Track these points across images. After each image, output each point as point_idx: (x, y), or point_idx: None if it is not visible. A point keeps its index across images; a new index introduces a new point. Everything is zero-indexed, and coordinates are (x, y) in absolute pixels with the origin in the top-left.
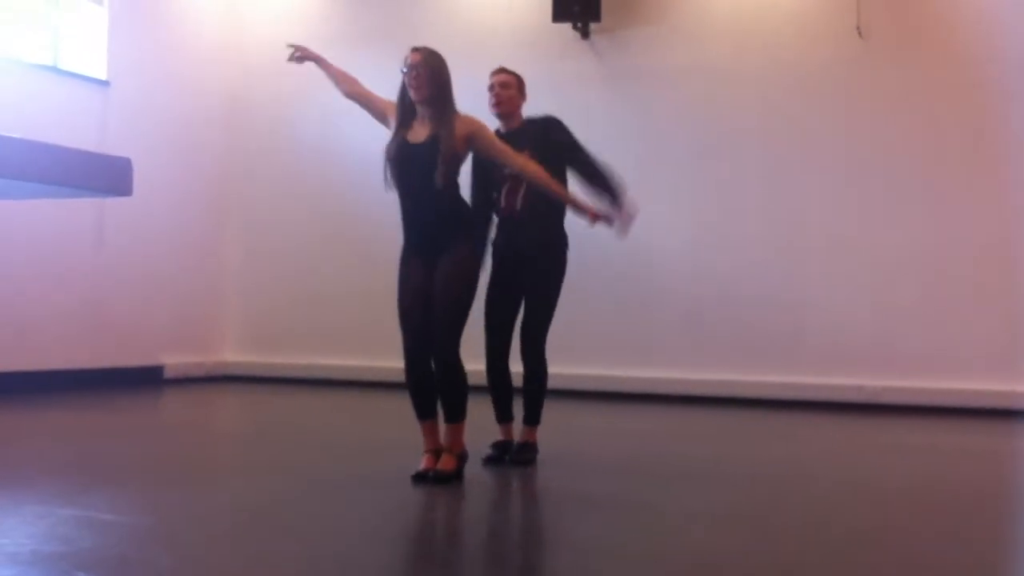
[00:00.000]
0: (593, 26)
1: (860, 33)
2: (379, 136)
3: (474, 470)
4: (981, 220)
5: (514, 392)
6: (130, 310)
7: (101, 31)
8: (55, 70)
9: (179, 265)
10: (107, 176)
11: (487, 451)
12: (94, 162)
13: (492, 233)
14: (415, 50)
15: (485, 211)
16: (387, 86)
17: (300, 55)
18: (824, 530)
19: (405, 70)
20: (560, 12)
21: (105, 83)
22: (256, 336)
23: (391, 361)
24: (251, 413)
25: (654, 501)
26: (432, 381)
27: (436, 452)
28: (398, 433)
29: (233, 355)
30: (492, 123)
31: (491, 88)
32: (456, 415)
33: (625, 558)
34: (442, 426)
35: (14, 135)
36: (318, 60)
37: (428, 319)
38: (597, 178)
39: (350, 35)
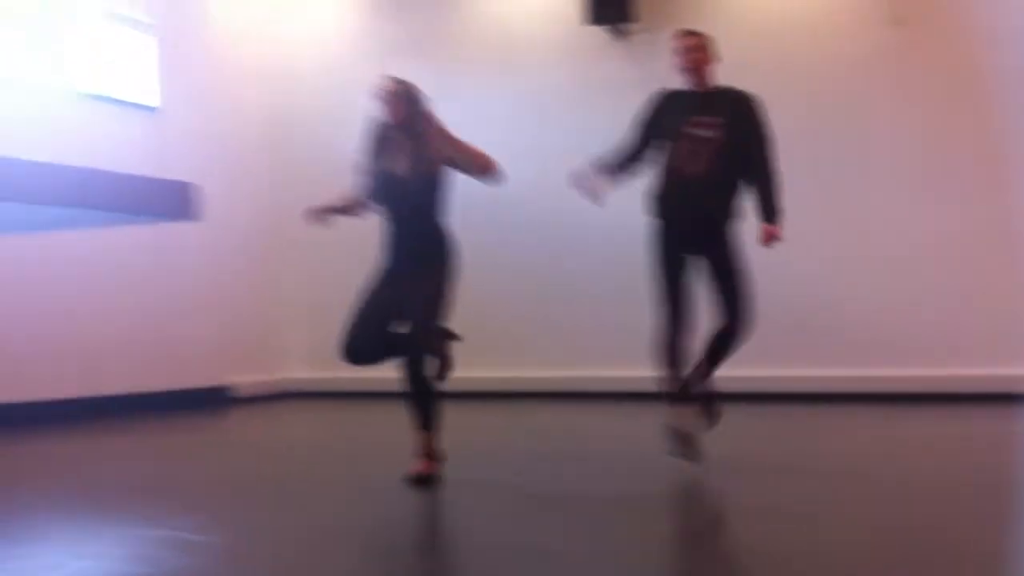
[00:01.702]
0: (629, 28)
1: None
2: None
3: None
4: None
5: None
6: (192, 332)
7: (150, 58)
8: (107, 99)
9: (239, 285)
10: (176, 202)
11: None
12: (161, 188)
13: (654, 191)
14: (391, 80)
15: (633, 161)
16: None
17: (318, 214)
18: (871, 525)
19: (380, 96)
20: (593, 14)
21: (156, 110)
22: (320, 352)
23: (457, 371)
24: (321, 429)
25: (684, 497)
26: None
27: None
28: (462, 440)
29: (298, 371)
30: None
31: (678, 51)
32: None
33: (664, 552)
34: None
35: (82, 164)
36: (343, 211)
37: (382, 325)
38: (762, 184)
39: (386, 48)
